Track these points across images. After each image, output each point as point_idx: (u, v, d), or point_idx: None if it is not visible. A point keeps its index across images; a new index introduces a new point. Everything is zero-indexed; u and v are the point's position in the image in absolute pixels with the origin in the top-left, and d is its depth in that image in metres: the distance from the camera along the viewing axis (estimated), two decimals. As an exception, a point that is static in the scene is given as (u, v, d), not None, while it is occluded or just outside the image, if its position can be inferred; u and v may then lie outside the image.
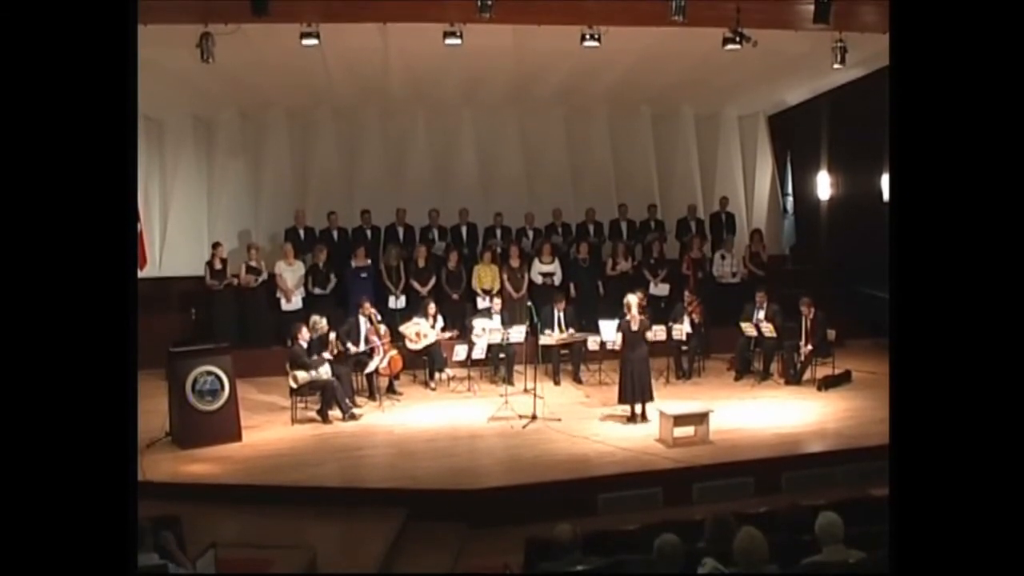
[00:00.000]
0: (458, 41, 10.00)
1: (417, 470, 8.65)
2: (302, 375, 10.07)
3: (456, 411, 10.66)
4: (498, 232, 14.05)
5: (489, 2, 8.77)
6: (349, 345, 10.88)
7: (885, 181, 13.81)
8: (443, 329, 11.66)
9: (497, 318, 11.76)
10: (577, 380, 11.96)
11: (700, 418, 9.26)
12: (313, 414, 10.23)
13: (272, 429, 9.97)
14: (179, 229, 14.23)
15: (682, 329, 11.56)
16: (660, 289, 13.37)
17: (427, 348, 11.58)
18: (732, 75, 13.02)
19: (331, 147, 14.77)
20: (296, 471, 8.62)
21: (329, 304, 12.40)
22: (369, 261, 12.98)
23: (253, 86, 13.17)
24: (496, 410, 10.27)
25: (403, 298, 12.84)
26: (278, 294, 12.66)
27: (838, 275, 15.13)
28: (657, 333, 10.49)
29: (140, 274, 11.16)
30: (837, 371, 11.61)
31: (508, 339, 11.31)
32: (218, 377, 9.35)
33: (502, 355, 11.65)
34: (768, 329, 11.52)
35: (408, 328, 11.51)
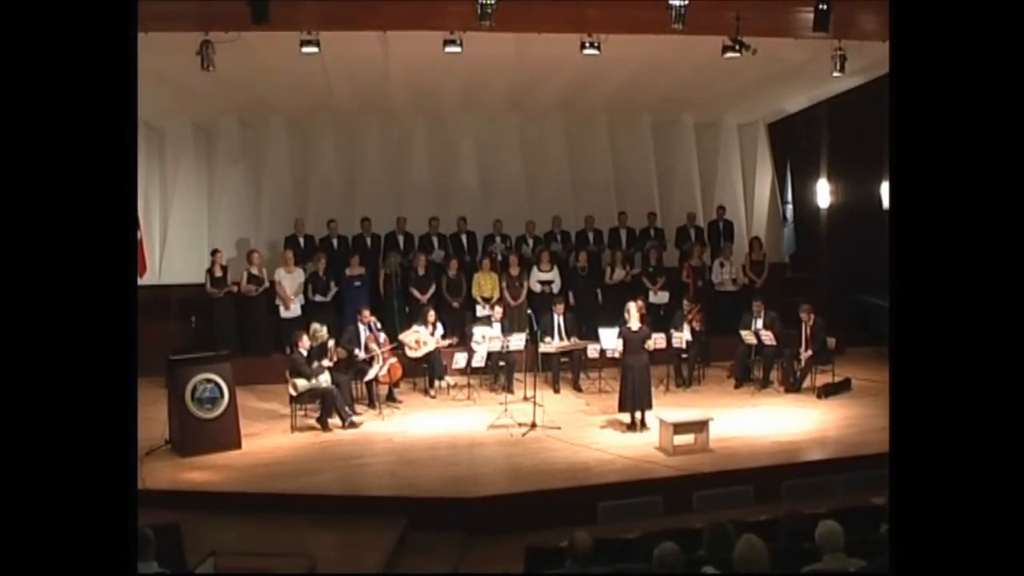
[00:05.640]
0: (458, 49, 10.02)
1: (417, 478, 8.64)
2: (302, 383, 10.07)
3: (456, 419, 10.65)
4: (497, 239, 14.06)
5: (489, 10, 8.77)
6: (357, 350, 10.91)
7: (885, 189, 13.83)
8: (443, 337, 11.66)
9: (497, 326, 11.75)
10: (577, 388, 11.95)
11: (700, 426, 9.25)
12: (313, 422, 10.22)
13: (272, 437, 9.96)
14: (179, 237, 14.24)
15: (682, 337, 11.55)
16: (659, 297, 13.36)
17: (427, 356, 11.58)
18: (732, 83, 13.03)
19: (331, 155, 14.78)
20: (296, 479, 8.61)
21: (329, 312, 12.39)
22: (363, 270, 12.99)
23: (253, 94, 13.17)
24: (496, 418, 10.26)
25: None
26: (277, 301, 12.66)
27: (838, 283, 15.13)
28: (657, 341, 10.48)
29: (140, 281, 11.16)
30: (837, 379, 11.62)
31: (508, 347, 11.31)
32: (218, 385, 9.36)
33: (502, 363, 11.65)
34: (767, 337, 11.51)
35: (408, 336, 11.51)
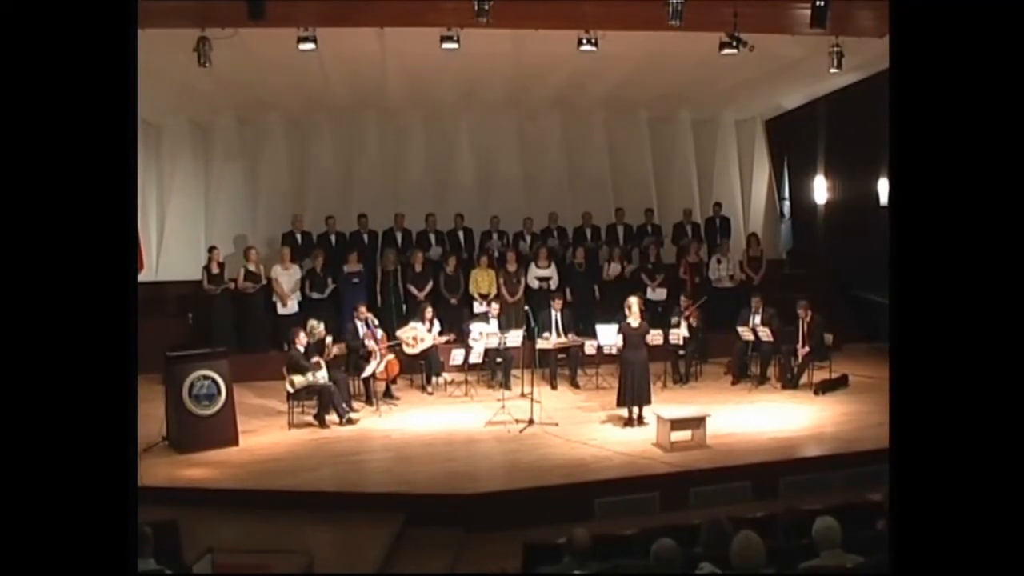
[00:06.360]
0: (455, 45, 10.01)
1: (414, 475, 8.64)
2: (299, 379, 10.06)
3: (453, 416, 10.66)
4: (495, 236, 14.05)
5: (486, 6, 8.77)
6: (367, 343, 10.91)
7: (882, 185, 13.85)
8: (440, 333, 11.65)
9: (494, 322, 11.76)
10: (574, 384, 11.96)
11: (697, 422, 9.26)
12: (310, 418, 10.22)
13: (269, 433, 9.96)
14: (176, 233, 14.23)
15: (679, 333, 11.56)
16: (657, 294, 13.37)
17: (424, 352, 11.57)
18: (729, 79, 13.04)
19: (328, 151, 14.77)
20: (293, 476, 8.61)
21: (326, 308, 12.38)
22: (360, 266, 12.99)
23: (250, 90, 13.15)
24: (493, 414, 10.26)
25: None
26: (274, 298, 12.66)
27: (835, 279, 15.15)
28: (654, 337, 10.49)
29: (137, 278, 11.14)
30: (834, 375, 11.63)
31: (505, 343, 11.31)
32: (215, 381, 9.35)
33: (499, 359, 11.65)
34: (765, 334, 11.52)
35: (405, 332, 11.51)
